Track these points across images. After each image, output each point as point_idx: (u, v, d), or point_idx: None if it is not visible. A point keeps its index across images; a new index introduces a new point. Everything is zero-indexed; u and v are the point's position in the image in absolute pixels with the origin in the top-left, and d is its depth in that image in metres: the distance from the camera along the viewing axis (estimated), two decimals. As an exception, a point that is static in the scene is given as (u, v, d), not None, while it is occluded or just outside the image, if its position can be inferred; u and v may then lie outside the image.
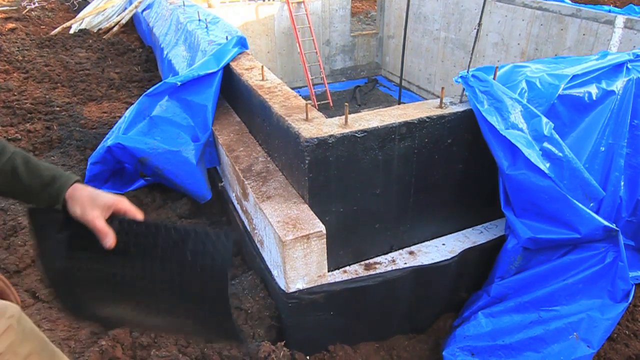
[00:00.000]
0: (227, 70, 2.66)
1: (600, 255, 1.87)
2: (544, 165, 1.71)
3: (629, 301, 1.88)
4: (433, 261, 1.95)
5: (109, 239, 0.99)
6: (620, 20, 3.73)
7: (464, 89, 1.85)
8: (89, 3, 7.13)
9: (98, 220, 1.00)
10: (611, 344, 1.92)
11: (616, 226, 1.80)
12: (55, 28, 6.34)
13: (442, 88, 1.85)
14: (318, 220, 1.69)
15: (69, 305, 1.10)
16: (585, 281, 1.88)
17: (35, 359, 1.01)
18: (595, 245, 1.86)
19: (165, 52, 3.76)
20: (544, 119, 1.72)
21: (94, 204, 1.02)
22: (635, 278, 2.11)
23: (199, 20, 3.56)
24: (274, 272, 1.86)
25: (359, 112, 1.86)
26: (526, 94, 1.79)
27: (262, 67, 2.39)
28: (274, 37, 6.81)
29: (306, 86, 6.84)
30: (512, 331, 1.89)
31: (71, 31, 6.31)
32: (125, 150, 2.55)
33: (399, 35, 6.98)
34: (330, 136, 1.63)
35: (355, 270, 1.91)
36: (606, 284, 1.88)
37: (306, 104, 1.84)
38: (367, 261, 1.96)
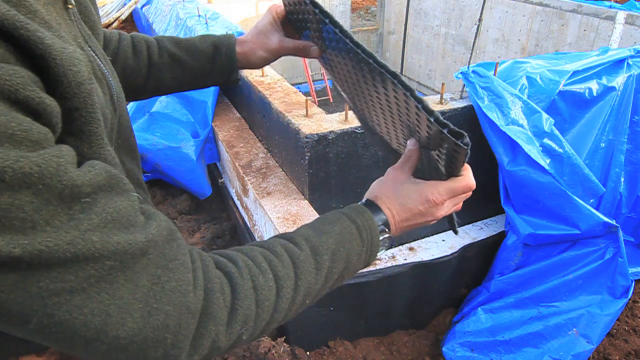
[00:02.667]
0: (227, 66, 2.65)
1: (600, 251, 1.87)
2: (544, 162, 1.71)
3: (629, 297, 1.88)
4: (433, 257, 1.95)
5: (313, 50, 0.87)
6: (621, 16, 3.72)
7: (464, 85, 1.85)
8: (88, -1, 7.11)
9: (284, 43, 0.91)
10: (610, 340, 1.93)
11: (616, 222, 1.80)
12: (55, 24, 6.33)
13: (443, 84, 1.85)
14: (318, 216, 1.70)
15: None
16: (585, 277, 1.88)
17: None
18: (595, 241, 1.86)
19: (164, 48, 3.74)
20: (545, 115, 1.72)
21: (263, 34, 0.91)
22: (635, 274, 2.12)
23: (199, 16, 3.55)
24: (274, 268, 1.86)
25: (359, 108, 1.85)
26: (527, 90, 1.79)
27: (262, 63, 2.38)
28: (273, 33, 6.78)
29: (306, 82, 6.83)
30: (512, 327, 1.90)
31: (70, 27, 6.29)
32: (125, 146, 2.54)
33: (399, 31, 6.96)
34: (330, 132, 1.63)
35: (355, 266, 1.91)
36: (606, 280, 1.89)
37: (306, 100, 1.83)
38: (367, 257, 1.96)
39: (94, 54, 0.60)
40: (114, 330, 0.43)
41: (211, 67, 0.92)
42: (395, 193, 0.75)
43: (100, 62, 0.61)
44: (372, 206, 0.73)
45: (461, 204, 0.80)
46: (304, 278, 0.60)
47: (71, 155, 0.41)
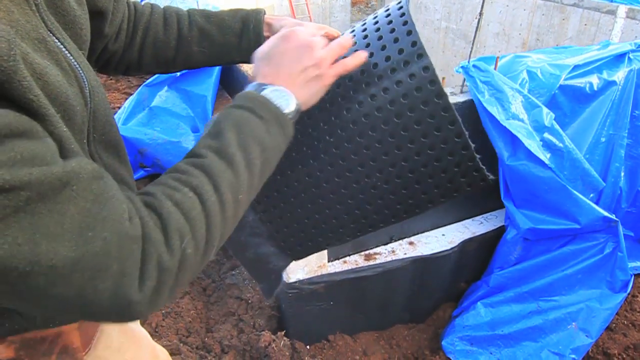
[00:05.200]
0: (227, 60, 2.64)
1: (600, 246, 1.87)
2: (545, 156, 1.71)
3: (628, 291, 1.89)
4: (433, 252, 1.95)
5: (346, 40, 0.76)
6: (622, 10, 3.70)
7: (464, 79, 1.85)
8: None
9: (310, 26, 0.84)
10: (609, 334, 1.93)
11: (616, 217, 1.81)
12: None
13: (443, 78, 1.84)
14: (318, 210, 1.70)
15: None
16: (584, 271, 1.89)
17: None
18: (595, 236, 1.87)
19: (164, 42, 3.74)
20: (545, 110, 1.72)
21: (301, 24, 0.87)
22: (635, 268, 2.12)
23: (198, 9, 3.53)
24: (274, 263, 1.87)
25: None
26: (527, 84, 1.78)
27: (262, 57, 2.38)
28: (273, 27, 6.77)
29: (306, 77, 6.80)
30: (511, 321, 1.90)
31: (70, 21, 6.27)
32: (125, 140, 2.54)
33: (399, 25, 6.93)
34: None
35: (355, 261, 1.92)
36: (605, 274, 1.89)
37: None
38: (367, 251, 1.97)
39: (61, 46, 0.60)
40: (47, 260, 0.44)
41: (239, 43, 0.92)
42: (261, 58, 0.73)
43: (69, 55, 0.61)
44: (252, 86, 0.70)
45: (336, 53, 0.73)
46: (221, 178, 0.59)
47: None
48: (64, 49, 0.60)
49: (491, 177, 0.77)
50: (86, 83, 0.63)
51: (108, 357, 0.84)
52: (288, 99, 0.68)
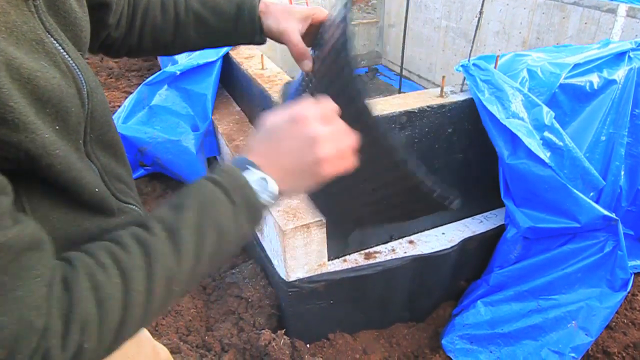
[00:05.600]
0: (227, 59, 2.64)
1: (600, 245, 1.87)
2: (545, 155, 1.71)
3: (628, 290, 1.89)
4: (433, 250, 1.95)
5: (306, 64, 0.83)
6: (622, 8, 3.70)
7: (464, 78, 1.84)
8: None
9: (294, 34, 0.85)
10: (609, 333, 1.93)
11: (616, 215, 1.81)
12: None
13: (443, 77, 1.84)
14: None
15: None
16: (584, 270, 1.89)
17: None
18: (595, 235, 1.87)
19: (164, 41, 3.73)
20: (545, 108, 1.72)
21: (290, 15, 0.88)
22: (635, 267, 2.12)
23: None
24: (274, 261, 1.87)
25: (359, 101, 1.85)
26: (527, 83, 1.78)
27: (262, 55, 2.38)
28: (273, 26, 6.75)
29: (306, 75, 6.78)
30: (511, 320, 1.90)
31: (69, 20, 6.25)
32: (125, 139, 2.54)
33: (399, 24, 6.93)
34: (331, 125, 1.62)
35: (355, 260, 1.92)
36: (605, 273, 1.89)
37: (306, 93, 1.83)
38: (367, 250, 1.97)
39: (59, 47, 0.59)
40: None
41: (234, 27, 0.91)
42: (264, 133, 0.67)
43: (67, 56, 0.60)
44: (240, 161, 0.64)
45: (348, 153, 0.66)
46: (160, 264, 0.54)
47: None
48: (62, 51, 0.59)
49: (455, 202, 0.76)
50: (84, 84, 0.62)
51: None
52: (271, 188, 0.63)
